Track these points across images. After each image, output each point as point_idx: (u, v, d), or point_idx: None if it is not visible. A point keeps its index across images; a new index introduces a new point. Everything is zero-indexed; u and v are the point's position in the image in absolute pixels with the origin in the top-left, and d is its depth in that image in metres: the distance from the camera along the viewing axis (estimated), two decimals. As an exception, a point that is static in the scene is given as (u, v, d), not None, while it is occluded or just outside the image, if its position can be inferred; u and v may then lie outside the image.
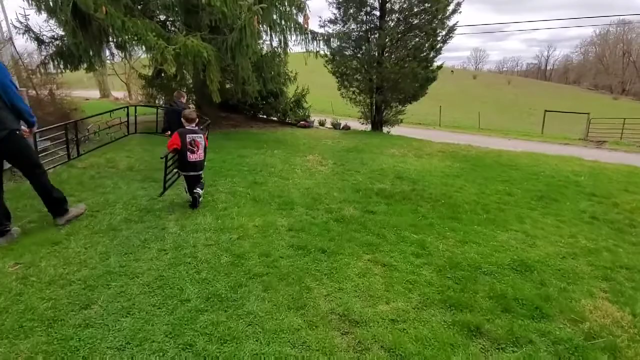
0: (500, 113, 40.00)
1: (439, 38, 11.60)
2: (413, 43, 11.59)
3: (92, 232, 3.46)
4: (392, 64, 11.60)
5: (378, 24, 12.05)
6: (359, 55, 12.84)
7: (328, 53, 12.96)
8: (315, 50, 10.10)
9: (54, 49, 9.27)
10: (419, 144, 10.30)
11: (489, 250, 3.49)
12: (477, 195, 5.32)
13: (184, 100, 7.00)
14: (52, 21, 8.73)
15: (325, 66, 13.26)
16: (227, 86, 11.06)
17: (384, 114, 13.15)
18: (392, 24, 12.03)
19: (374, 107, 13.02)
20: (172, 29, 9.89)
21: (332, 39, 10.45)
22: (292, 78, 13.80)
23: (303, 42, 9.94)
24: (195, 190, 4.14)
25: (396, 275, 2.95)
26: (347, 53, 12.93)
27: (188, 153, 4.07)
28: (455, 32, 11.54)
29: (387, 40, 11.47)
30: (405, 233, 3.82)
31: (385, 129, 13.38)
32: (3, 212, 3.18)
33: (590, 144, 16.46)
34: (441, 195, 5.28)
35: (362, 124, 13.72)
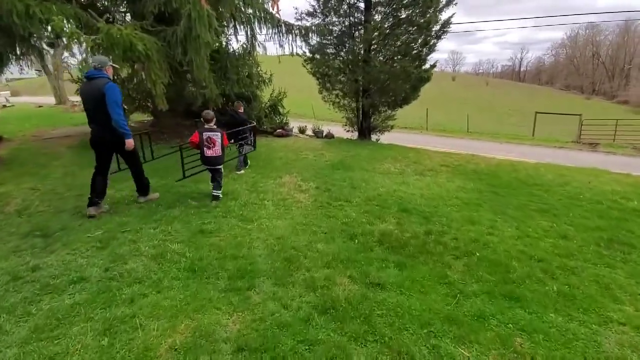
0: (481, 114, 39.50)
1: (432, 33, 10.14)
2: (403, 39, 10.07)
3: None
4: (381, 63, 10.07)
5: (363, 17, 10.50)
6: (342, 53, 11.24)
7: (307, 51, 11.32)
8: (291, 47, 8.42)
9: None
10: (416, 155, 8.78)
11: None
12: (521, 241, 3.76)
13: (242, 110, 7.09)
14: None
15: (304, 66, 11.60)
16: (191, 90, 9.22)
17: (372, 119, 11.60)
18: (380, 18, 10.52)
19: (361, 112, 11.44)
20: (118, 19, 8.02)
21: (310, 33, 8.81)
22: (266, 80, 12.07)
23: (276, 37, 8.25)
24: (213, 193, 4.70)
25: None
26: (328, 51, 11.31)
27: (205, 149, 4.57)
28: (451, 26, 10.12)
29: (374, 34, 9.92)
30: (443, 342, 2.19)
31: (373, 137, 11.83)
32: (103, 189, 4.16)
33: (584, 147, 15.71)
34: (470, 241, 3.70)
35: (348, 131, 12.12)
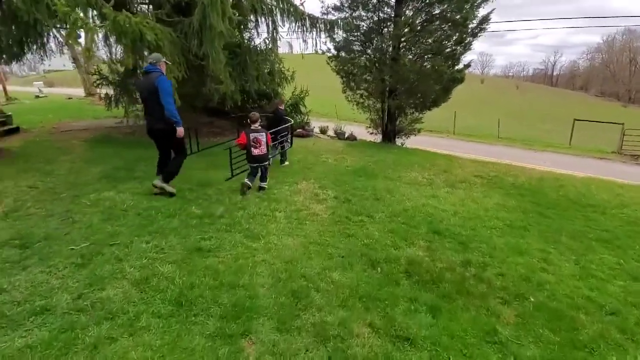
0: (512, 119, 37.65)
1: (468, 30, 9.31)
2: (436, 36, 9.29)
3: None
4: (411, 61, 9.35)
5: (393, 12, 9.81)
6: (368, 50, 10.58)
7: (331, 47, 10.74)
8: (314, 43, 7.86)
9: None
10: (446, 162, 8.03)
11: None
12: (584, 283, 3.05)
13: (282, 107, 7.26)
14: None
15: (328, 63, 11.02)
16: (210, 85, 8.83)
17: (398, 122, 10.88)
18: (411, 13, 9.78)
19: (386, 113, 10.74)
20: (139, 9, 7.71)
21: (336, 28, 8.20)
22: (289, 77, 11.57)
23: (299, 31, 7.71)
24: (261, 185, 4.96)
25: None
26: (354, 48, 10.67)
27: (252, 148, 4.81)
28: (489, 24, 9.27)
29: (404, 30, 9.20)
30: None
31: (398, 140, 11.11)
32: (162, 165, 4.53)
33: (627, 159, 14.45)
34: (521, 279, 3.01)
35: (371, 133, 11.45)
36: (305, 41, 7.72)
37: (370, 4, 9.86)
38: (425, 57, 10.02)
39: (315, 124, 12.45)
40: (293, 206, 4.61)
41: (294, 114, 11.70)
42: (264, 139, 4.91)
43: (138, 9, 7.57)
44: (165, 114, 4.07)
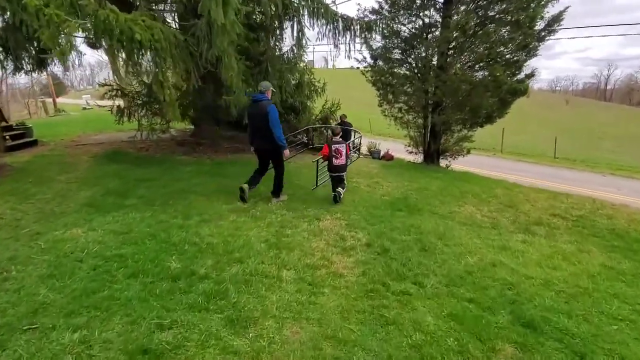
0: (566, 137, 34.29)
1: (534, 33, 7.75)
2: (493, 40, 7.80)
3: None
4: (462, 70, 7.92)
5: (441, 14, 8.48)
6: (410, 59, 9.28)
7: (367, 56, 9.56)
8: (348, 48, 6.70)
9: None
10: (507, 192, 6.46)
11: None
12: None
13: (347, 119, 8.66)
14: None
15: (363, 73, 9.83)
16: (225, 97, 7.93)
17: (443, 140, 9.39)
18: (461, 17, 8.39)
19: (429, 130, 9.31)
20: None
21: (373, 32, 6.98)
22: (319, 89, 10.52)
23: (331, 34, 6.60)
24: (337, 190, 5.16)
25: None
26: (393, 57, 9.42)
27: (333, 159, 5.21)
28: (562, 24, 7.67)
29: (455, 34, 7.82)
30: None
31: (443, 162, 9.59)
32: (255, 181, 4.92)
33: None
34: None
35: (410, 152, 10.03)
36: (337, 46, 6.55)
37: (414, 6, 8.60)
38: (477, 66, 8.56)
39: (347, 141, 11.23)
40: (309, 258, 3.37)
41: (324, 130, 10.59)
42: (344, 150, 5.23)
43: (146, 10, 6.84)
44: (275, 138, 4.54)
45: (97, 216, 4.10)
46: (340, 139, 5.35)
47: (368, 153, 10.85)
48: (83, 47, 14.25)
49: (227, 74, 4.96)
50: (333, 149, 5.19)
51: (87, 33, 3.90)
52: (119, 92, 7.39)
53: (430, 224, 4.55)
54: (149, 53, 4.51)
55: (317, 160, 5.72)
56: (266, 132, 4.52)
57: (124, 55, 4.56)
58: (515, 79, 8.29)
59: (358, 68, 10.22)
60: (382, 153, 10.47)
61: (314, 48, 57.38)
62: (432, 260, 3.47)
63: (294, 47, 7.62)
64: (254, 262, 3.18)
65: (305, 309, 2.55)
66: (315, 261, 3.32)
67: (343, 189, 5.28)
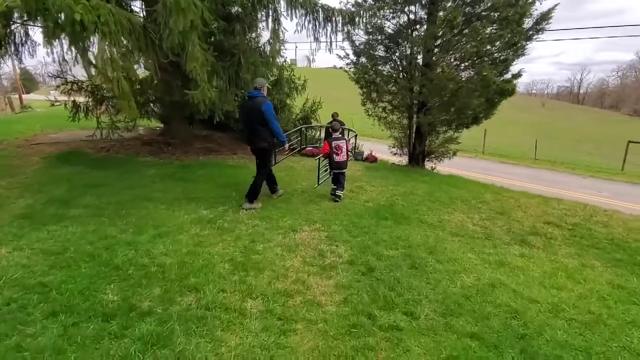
0: (544, 138, 35.00)
1: (522, 30, 7.46)
2: (482, 36, 7.45)
3: None
4: (449, 68, 7.56)
5: (426, 10, 8.10)
6: (394, 56, 8.86)
7: (350, 53, 9.08)
8: (329, 40, 6.19)
9: None
10: (496, 197, 6.11)
11: None
12: None
13: (339, 118, 8.44)
14: None
15: (346, 71, 9.35)
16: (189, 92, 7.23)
17: (428, 141, 9.04)
18: (447, 13, 8.02)
19: (415, 131, 8.93)
20: None
21: (357, 21, 6.49)
22: (299, 87, 9.99)
23: (311, 26, 6.08)
24: (337, 192, 5.17)
25: None
26: (377, 54, 8.97)
27: (334, 155, 5.19)
28: (550, 22, 7.42)
29: (441, 31, 7.44)
30: None
31: (428, 164, 9.24)
32: (274, 180, 5.00)
33: None
34: None
35: (395, 154, 9.64)
36: (317, 39, 6.04)
37: (399, 2, 8.16)
38: (463, 65, 8.23)
39: (329, 141, 10.75)
40: (281, 282, 2.84)
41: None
42: (345, 146, 5.22)
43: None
44: (274, 134, 4.46)
45: (30, 231, 3.44)
46: (340, 135, 5.37)
47: (351, 154, 10.40)
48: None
49: (190, 65, 4.36)
50: (334, 145, 5.16)
51: (19, 13, 3.22)
52: (74, 85, 6.57)
53: (419, 235, 4.11)
54: (96, 38, 3.86)
55: (319, 159, 5.78)
56: (262, 130, 4.39)
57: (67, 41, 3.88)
58: (502, 78, 8.00)
59: (341, 68, 9.76)
60: (365, 154, 10.03)
61: (296, 46, 56.70)
62: (424, 282, 3.01)
63: (270, 40, 7.06)
64: (213, 289, 2.62)
65: (272, 356, 2.02)
66: (288, 285, 2.80)
67: (343, 188, 5.29)
